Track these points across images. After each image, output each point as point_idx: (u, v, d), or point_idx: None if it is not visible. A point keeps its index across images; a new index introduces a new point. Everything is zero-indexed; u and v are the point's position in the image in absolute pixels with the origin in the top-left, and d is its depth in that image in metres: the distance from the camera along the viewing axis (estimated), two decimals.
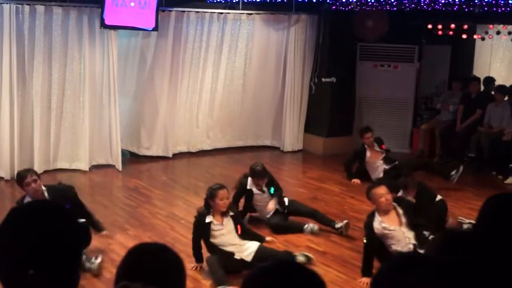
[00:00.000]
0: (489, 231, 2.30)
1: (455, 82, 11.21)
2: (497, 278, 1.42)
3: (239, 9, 10.85)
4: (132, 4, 9.51)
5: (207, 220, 6.00)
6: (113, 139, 9.85)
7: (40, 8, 9.01)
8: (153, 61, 10.38)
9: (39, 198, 5.89)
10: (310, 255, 6.25)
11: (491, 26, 10.96)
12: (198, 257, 6.12)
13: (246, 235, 6.24)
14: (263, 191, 7.36)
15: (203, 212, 6.06)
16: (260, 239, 6.41)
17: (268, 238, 6.73)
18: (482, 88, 11.05)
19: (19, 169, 8.99)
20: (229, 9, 10.83)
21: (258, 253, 5.97)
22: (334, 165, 10.40)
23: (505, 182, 9.59)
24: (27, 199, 5.96)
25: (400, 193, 7.02)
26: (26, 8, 8.91)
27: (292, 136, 11.60)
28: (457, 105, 10.80)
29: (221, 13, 10.72)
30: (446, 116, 10.98)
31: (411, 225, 6.01)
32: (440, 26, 11.07)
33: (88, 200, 6.33)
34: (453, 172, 9.05)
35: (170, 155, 10.66)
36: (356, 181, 9.38)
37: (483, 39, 11.24)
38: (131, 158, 10.51)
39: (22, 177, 6.12)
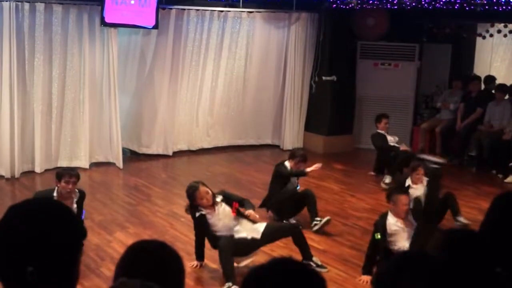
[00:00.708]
0: (497, 229, 2.30)
1: (456, 80, 11.20)
2: (498, 277, 1.41)
3: (239, 7, 10.84)
4: (132, 1, 9.51)
5: (197, 214, 5.96)
6: (113, 136, 9.84)
7: (40, 6, 8.99)
8: (153, 59, 10.38)
9: (66, 199, 5.83)
10: (324, 269, 6.18)
11: (492, 24, 10.95)
12: (199, 254, 6.08)
13: (240, 215, 6.05)
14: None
15: (191, 212, 6.02)
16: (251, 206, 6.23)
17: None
18: (482, 87, 11.04)
19: (20, 167, 9.03)
20: (229, 7, 10.82)
21: (267, 229, 5.97)
22: (334, 163, 10.40)
23: (505, 180, 9.58)
24: (54, 194, 5.92)
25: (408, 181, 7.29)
26: (26, 5, 8.89)
27: (292, 134, 11.60)
28: (458, 104, 10.79)
29: (222, 11, 10.71)
30: (446, 115, 10.97)
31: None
32: (440, 25, 11.06)
33: (88, 198, 6.32)
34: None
35: (170, 153, 10.65)
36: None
37: (483, 37, 11.24)
38: (131, 156, 10.51)
39: (64, 173, 6.05)
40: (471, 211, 7.72)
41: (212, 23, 10.72)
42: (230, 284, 5.55)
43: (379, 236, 5.95)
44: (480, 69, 12.14)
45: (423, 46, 11.61)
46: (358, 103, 11.76)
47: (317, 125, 11.55)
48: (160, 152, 10.60)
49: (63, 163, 9.50)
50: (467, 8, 9.50)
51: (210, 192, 5.97)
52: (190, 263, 5.96)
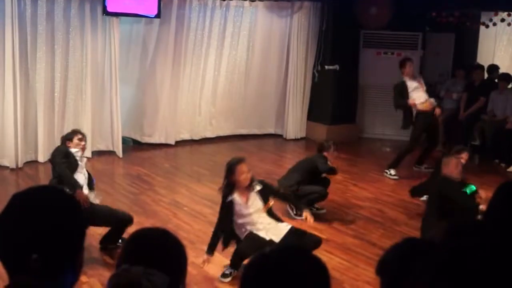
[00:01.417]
0: (501, 218, 2.30)
1: (459, 70, 11.18)
2: (504, 266, 1.41)
3: None
4: None
5: (229, 198, 5.60)
6: (114, 125, 9.85)
7: None
8: (156, 48, 10.36)
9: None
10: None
11: (495, 13, 10.91)
12: (212, 247, 5.62)
13: (270, 215, 5.71)
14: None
15: (225, 192, 5.65)
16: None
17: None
18: (486, 76, 11.01)
19: (23, 157, 9.06)
20: None
21: (290, 236, 5.55)
22: (337, 152, 10.38)
23: (508, 170, 9.59)
24: (73, 150, 6.16)
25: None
26: None
27: (295, 123, 11.59)
28: (461, 93, 10.77)
29: (224, 0, 10.68)
30: (449, 104, 10.95)
31: None
32: (444, 14, 11.01)
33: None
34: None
35: (173, 143, 10.67)
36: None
37: (487, 26, 11.19)
38: (133, 145, 10.52)
39: (76, 133, 6.32)
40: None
41: (214, 12, 10.70)
42: (232, 270, 5.57)
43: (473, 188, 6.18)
44: (484, 58, 12.10)
45: (426, 35, 11.57)
46: (361, 92, 11.75)
47: (320, 114, 11.54)
48: (163, 141, 10.61)
49: None
50: None
51: (250, 173, 5.64)
52: (193, 255, 5.96)
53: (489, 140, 10.04)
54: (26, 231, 1.68)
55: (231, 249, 5.70)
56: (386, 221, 7.32)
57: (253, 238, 5.51)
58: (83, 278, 5.30)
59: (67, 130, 9.59)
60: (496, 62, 11.54)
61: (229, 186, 5.63)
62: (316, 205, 7.43)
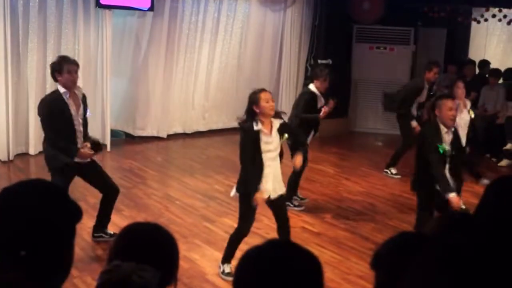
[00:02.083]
0: (492, 214, 2.31)
1: (451, 65, 11.22)
2: (502, 260, 1.42)
3: None
4: None
5: (255, 127, 5.24)
6: (105, 119, 9.83)
7: None
8: (149, 41, 10.34)
9: (73, 95, 5.85)
10: None
11: (486, 9, 10.94)
12: (257, 182, 5.25)
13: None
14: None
15: (248, 122, 5.30)
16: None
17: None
18: (477, 71, 11.05)
19: (14, 150, 9.02)
20: None
21: (280, 200, 5.45)
22: (329, 146, 10.42)
23: (499, 164, 9.64)
24: (61, 91, 5.78)
25: None
26: None
27: (288, 117, 11.56)
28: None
29: None
30: None
31: None
32: (435, 9, 11.05)
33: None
34: None
35: (165, 136, 10.65)
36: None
37: (478, 22, 11.23)
38: (126, 138, 10.50)
39: (65, 61, 5.78)
40: (465, 194, 7.72)
41: (207, 6, 10.67)
42: (225, 266, 5.52)
43: (446, 148, 5.51)
44: (475, 54, 12.15)
45: (418, 30, 11.61)
46: (353, 86, 11.77)
47: None
48: (155, 134, 10.60)
49: None
50: None
51: (274, 102, 5.36)
52: (192, 253, 5.95)
53: (480, 135, 10.07)
54: (15, 227, 1.66)
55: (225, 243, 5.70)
56: (378, 215, 7.34)
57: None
58: (74, 273, 5.29)
59: None
60: (487, 58, 11.58)
61: (252, 116, 5.28)
62: (300, 195, 7.47)
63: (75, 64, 5.90)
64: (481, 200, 2.41)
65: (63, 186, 5.68)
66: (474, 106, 10.43)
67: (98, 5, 9.32)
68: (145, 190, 7.94)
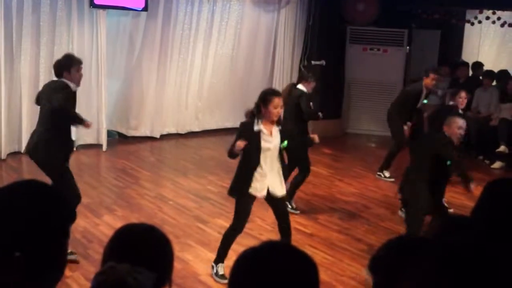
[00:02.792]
0: (488, 217, 2.32)
1: (444, 66, 11.24)
2: (500, 261, 1.42)
3: None
4: None
5: (255, 128, 5.29)
6: (100, 119, 9.81)
7: None
8: (142, 41, 10.33)
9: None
10: None
11: (480, 11, 10.98)
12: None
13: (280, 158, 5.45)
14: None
15: (250, 120, 5.34)
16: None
17: None
18: (470, 73, 11.09)
19: (7, 149, 8.99)
20: None
21: (280, 201, 5.45)
22: (322, 147, 10.42)
23: (492, 166, 9.67)
24: (71, 86, 6.04)
25: None
26: None
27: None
28: (446, 90, 10.83)
29: None
30: (434, 100, 11.00)
31: None
32: (429, 11, 11.08)
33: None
34: None
35: (158, 136, 10.64)
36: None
37: (472, 24, 11.27)
38: (119, 138, 10.48)
39: (74, 61, 6.12)
40: (459, 196, 7.78)
41: (201, 6, 10.67)
42: (218, 267, 5.50)
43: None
44: (468, 55, 12.19)
45: (412, 32, 11.63)
46: (347, 87, 11.79)
47: None
48: (148, 134, 10.58)
49: None
50: None
51: (282, 110, 5.39)
52: (185, 254, 5.96)
53: (473, 137, 10.11)
54: (8, 229, 1.65)
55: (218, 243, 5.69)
56: (371, 216, 7.36)
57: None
58: (66, 273, 5.28)
59: None
60: (481, 60, 11.62)
61: (257, 115, 5.32)
62: (294, 204, 7.44)
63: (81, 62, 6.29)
64: (477, 202, 2.42)
65: (70, 183, 5.77)
66: (467, 108, 10.50)
67: (92, 5, 9.30)
68: (138, 190, 7.93)
